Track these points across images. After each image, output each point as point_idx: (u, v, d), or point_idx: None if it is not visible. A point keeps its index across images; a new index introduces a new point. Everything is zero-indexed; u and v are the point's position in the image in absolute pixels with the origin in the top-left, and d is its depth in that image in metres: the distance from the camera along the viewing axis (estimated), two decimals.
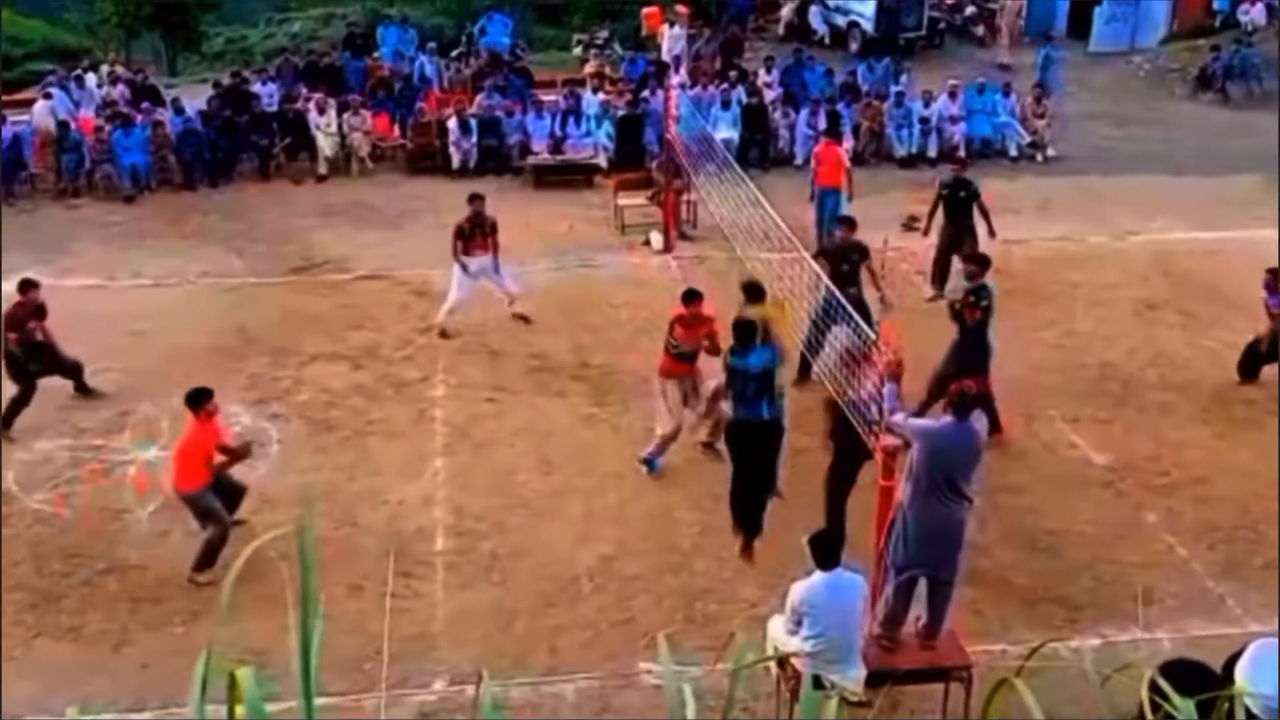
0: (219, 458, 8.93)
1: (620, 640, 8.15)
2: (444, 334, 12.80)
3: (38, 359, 11.03)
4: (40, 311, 11.09)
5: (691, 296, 10.08)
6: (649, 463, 10.18)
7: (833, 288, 9.41)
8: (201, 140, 18.12)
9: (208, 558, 8.73)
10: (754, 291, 9.62)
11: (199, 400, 8.79)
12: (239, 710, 1.78)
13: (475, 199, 12.99)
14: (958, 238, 13.16)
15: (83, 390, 11.49)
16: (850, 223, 11.69)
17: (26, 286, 11.07)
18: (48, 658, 8.03)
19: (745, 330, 8.90)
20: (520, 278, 13.17)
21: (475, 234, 12.61)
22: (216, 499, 8.84)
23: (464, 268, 12.58)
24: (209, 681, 1.96)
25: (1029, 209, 16.80)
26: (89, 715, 7.38)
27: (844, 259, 11.12)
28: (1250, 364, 11.74)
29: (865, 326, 8.28)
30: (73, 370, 11.41)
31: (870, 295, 11.15)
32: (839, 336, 9.19)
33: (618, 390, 11.55)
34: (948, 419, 7.19)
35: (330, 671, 7.15)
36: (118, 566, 8.97)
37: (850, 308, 8.75)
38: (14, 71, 22.68)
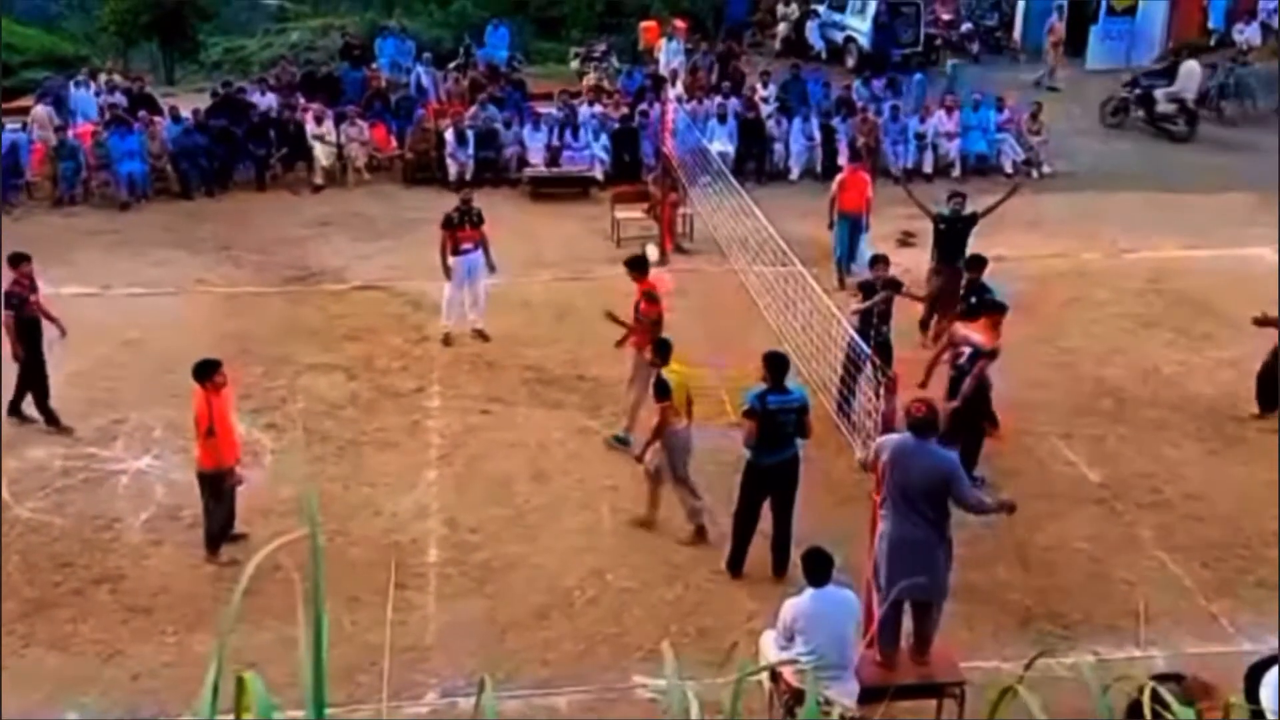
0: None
1: (613, 653, 8.14)
2: (446, 340, 12.80)
3: (27, 341, 10.69)
4: (34, 286, 10.93)
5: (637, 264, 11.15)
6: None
7: (858, 340, 9.43)
8: (198, 149, 18.12)
9: (214, 544, 9.03)
10: (664, 350, 9.39)
11: (206, 372, 8.76)
12: (245, 718, 1.78)
13: (465, 188, 13.48)
14: (950, 283, 12.10)
15: (14, 412, 10.98)
16: (885, 261, 11.35)
17: (19, 260, 10.75)
18: (39, 668, 7.99)
19: (781, 364, 8.67)
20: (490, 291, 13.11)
21: (464, 223, 12.61)
22: (223, 486, 8.99)
23: (447, 271, 12.60)
24: (200, 692, 1.95)
25: (1023, 225, 16.83)
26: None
27: (881, 299, 10.91)
28: (1269, 390, 11.25)
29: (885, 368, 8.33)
30: (36, 381, 10.87)
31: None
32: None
33: (613, 403, 11.53)
34: (907, 435, 7.21)
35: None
36: (110, 576, 8.94)
37: (870, 349, 8.86)
38: (11, 80, 22.63)
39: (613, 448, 10.67)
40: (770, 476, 8.74)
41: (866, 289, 11.09)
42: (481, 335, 12.92)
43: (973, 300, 10.63)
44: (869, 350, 9.18)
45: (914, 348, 11.86)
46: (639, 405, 10.47)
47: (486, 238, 12.79)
